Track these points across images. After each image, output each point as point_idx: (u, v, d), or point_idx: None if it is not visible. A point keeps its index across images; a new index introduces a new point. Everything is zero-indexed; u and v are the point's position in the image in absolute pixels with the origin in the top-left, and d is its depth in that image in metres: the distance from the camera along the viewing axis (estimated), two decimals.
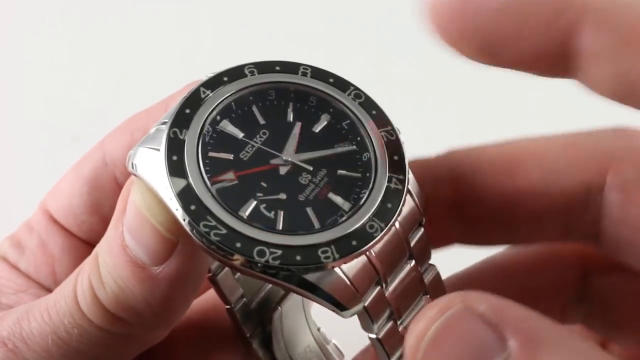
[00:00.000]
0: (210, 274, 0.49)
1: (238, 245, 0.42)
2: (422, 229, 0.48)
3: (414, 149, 0.50)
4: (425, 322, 0.40)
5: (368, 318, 0.46)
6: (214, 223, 0.42)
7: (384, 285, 0.46)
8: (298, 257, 0.43)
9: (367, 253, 0.44)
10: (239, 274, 0.51)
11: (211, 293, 0.52)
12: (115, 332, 0.46)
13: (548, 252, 0.58)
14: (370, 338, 0.48)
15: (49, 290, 0.53)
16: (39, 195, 0.58)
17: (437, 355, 0.40)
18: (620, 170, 0.52)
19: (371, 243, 0.44)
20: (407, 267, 0.47)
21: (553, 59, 0.44)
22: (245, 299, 0.52)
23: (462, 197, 0.53)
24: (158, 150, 0.44)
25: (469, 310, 0.40)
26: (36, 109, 1.03)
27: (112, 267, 0.45)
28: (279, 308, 0.54)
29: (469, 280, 0.57)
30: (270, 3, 1.14)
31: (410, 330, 0.41)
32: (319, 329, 0.57)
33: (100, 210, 0.54)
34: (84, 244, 0.55)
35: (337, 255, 0.43)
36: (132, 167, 0.44)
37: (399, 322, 0.48)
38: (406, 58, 1.04)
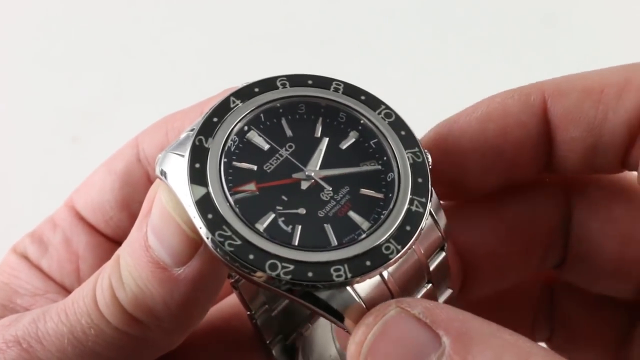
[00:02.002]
0: (232, 280, 0.49)
1: (251, 257, 0.42)
2: (444, 253, 0.48)
3: None
4: (363, 329, 0.42)
5: None
6: (229, 233, 0.43)
7: None
8: (310, 274, 0.42)
9: (383, 274, 0.44)
10: None
11: (232, 298, 0.52)
12: (132, 334, 0.46)
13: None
14: None
15: (69, 292, 0.53)
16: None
17: (379, 359, 0.41)
18: None
19: (385, 264, 0.43)
20: (424, 291, 0.47)
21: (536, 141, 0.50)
22: (267, 305, 0.52)
23: None
24: (183, 156, 0.44)
25: (403, 313, 0.42)
26: (36, 109, 1.03)
27: (132, 268, 0.45)
28: (310, 325, 0.54)
29: None
30: (268, 4, 1.14)
31: (351, 339, 0.42)
32: None
33: (129, 207, 0.54)
34: (110, 241, 0.55)
35: (349, 275, 0.43)
36: (159, 172, 0.45)
37: None
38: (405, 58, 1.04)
